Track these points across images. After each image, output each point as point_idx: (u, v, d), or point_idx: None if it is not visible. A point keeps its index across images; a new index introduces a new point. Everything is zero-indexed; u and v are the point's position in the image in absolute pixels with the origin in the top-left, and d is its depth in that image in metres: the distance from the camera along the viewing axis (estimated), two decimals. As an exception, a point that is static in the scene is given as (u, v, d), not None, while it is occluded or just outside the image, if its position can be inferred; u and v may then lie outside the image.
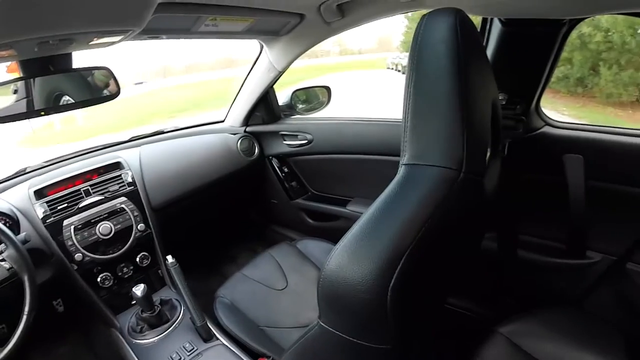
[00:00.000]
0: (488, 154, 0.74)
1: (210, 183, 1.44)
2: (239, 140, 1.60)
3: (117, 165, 1.26)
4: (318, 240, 1.42)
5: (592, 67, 5.28)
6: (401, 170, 0.55)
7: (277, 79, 1.47)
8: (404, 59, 14.13)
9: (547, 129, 1.07)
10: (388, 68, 16.77)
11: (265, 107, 1.60)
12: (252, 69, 1.47)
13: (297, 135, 1.60)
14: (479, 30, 1.02)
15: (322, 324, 0.54)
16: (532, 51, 0.97)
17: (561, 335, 1.04)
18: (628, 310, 1.10)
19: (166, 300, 1.19)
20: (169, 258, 1.11)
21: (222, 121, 1.72)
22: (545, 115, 1.08)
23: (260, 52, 1.39)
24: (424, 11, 0.59)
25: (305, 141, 1.58)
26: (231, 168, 1.53)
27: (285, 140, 1.64)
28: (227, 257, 1.83)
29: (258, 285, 1.23)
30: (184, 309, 1.16)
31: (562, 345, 1.02)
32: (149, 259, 1.25)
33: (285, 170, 1.71)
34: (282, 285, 1.23)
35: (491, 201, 0.74)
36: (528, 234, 1.20)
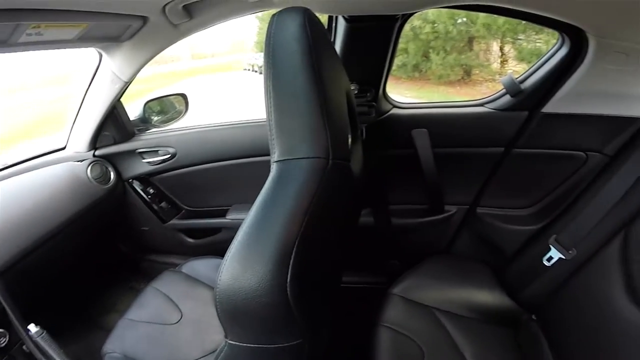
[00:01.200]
0: (350, 139, 0.83)
1: (61, 224, 1.21)
2: (89, 167, 1.39)
3: None
4: (204, 259, 1.36)
5: (424, 54, 6.37)
6: (274, 168, 0.57)
7: (124, 91, 1.32)
8: (259, 59, 14.38)
9: (394, 110, 1.26)
10: (245, 69, 16.86)
11: (114, 124, 1.43)
12: (91, 82, 1.30)
13: (157, 150, 1.48)
14: (326, 27, 1.12)
15: (231, 342, 0.54)
16: (374, 44, 1.12)
17: (442, 280, 1.26)
18: (487, 246, 1.39)
19: (43, 380, 0.97)
20: (32, 327, 0.92)
21: (63, 148, 1.47)
22: (392, 99, 1.28)
23: (100, 62, 1.24)
24: (274, 11, 0.63)
25: (168, 155, 1.48)
26: (85, 201, 1.31)
27: (144, 159, 1.50)
28: (105, 305, 1.61)
29: (150, 325, 1.12)
30: None
31: (445, 288, 1.23)
32: (7, 336, 0.98)
33: (151, 191, 1.57)
34: (177, 317, 1.15)
35: (360, 181, 0.83)
36: (396, 203, 1.40)
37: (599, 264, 1.02)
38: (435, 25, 6.10)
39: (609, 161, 1.17)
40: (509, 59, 6.35)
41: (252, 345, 0.54)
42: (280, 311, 0.49)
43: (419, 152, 1.24)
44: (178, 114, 1.59)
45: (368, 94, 1.17)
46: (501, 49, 6.49)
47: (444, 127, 1.25)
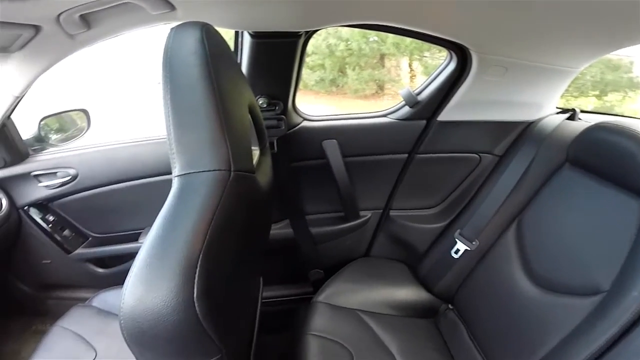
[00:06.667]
0: (258, 152, 0.85)
1: None
2: None
3: None
4: (117, 289, 1.24)
5: (341, 70, 6.66)
6: (175, 183, 0.57)
7: (15, 107, 1.18)
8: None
9: (305, 123, 1.32)
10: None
11: (4, 144, 1.26)
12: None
13: (55, 172, 1.32)
14: (233, 42, 1.14)
15: None
16: (279, 59, 1.15)
17: (364, 282, 1.33)
18: (402, 246, 1.50)
19: None
20: None
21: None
22: (302, 112, 1.33)
23: (-14, 75, 1.09)
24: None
25: (69, 177, 1.33)
26: None
27: (41, 182, 1.33)
28: (6, 354, 1.41)
29: None
30: None
31: (367, 290, 1.30)
32: None
33: (51, 219, 1.39)
34: (91, 357, 1.03)
35: (269, 193, 0.85)
36: (313, 213, 1.44)
37: (499, 251, 1.18)
38: (349, 42, 6.41)
39: (499, 161, 1.35)
40: (417, 74, 6.92)
41: None
42: (190, 329, 0.47)
43: (331, 162, 1.30)
44: (79, 132, 1.46)
45: (277, 108, 1.20)
46: (410, 65, 7.05)
47: (353, 138, 1.33)
